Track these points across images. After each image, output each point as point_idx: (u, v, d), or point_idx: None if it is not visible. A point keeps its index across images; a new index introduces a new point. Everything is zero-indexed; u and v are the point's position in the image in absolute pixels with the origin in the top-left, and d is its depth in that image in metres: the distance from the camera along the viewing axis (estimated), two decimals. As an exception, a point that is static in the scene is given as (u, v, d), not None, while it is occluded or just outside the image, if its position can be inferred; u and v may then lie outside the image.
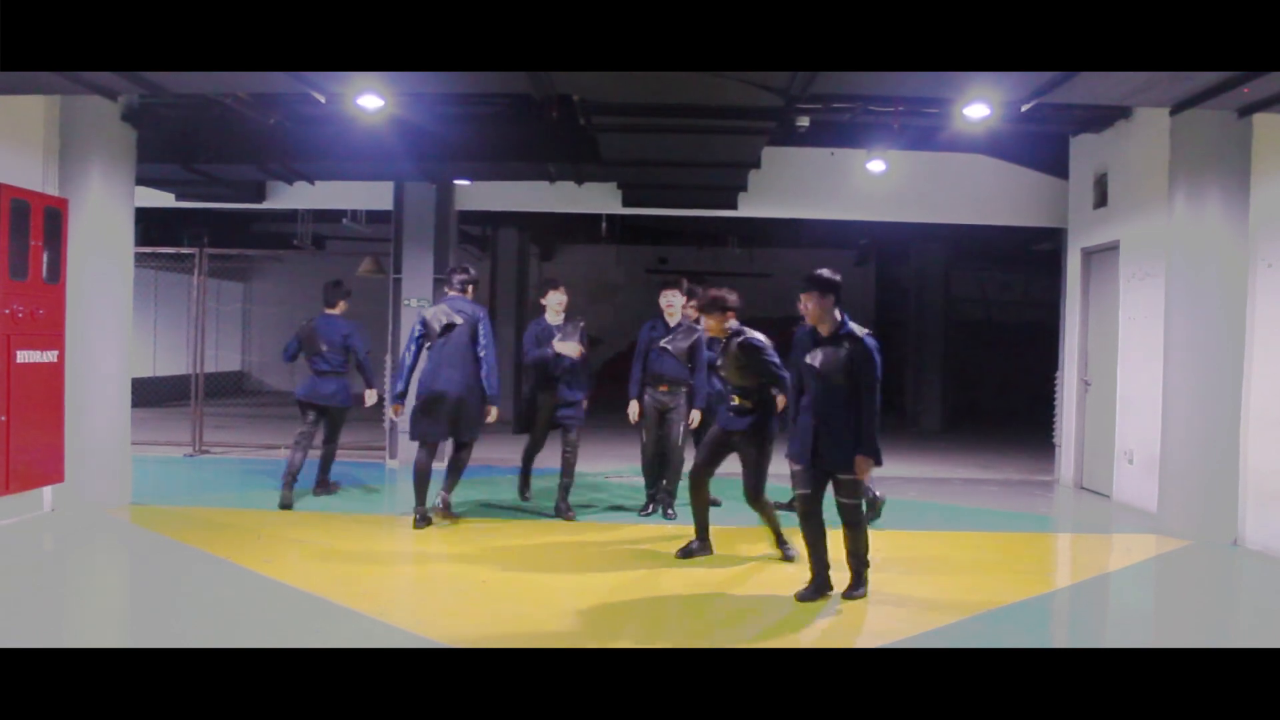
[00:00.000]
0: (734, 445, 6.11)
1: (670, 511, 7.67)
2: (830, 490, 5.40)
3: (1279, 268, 6.81)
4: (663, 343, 7.46)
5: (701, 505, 6.33)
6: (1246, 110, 6.61)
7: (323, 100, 6.89)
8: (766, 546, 6.56)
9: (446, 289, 7.51)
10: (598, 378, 8.78)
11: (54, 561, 6.31)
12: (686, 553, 6.32)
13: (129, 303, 7.73)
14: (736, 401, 6.07)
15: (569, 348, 7.53)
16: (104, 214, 7.40)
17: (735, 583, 5.85)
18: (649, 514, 7.71)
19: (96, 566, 6.25)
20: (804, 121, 8.68)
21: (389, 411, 8.26)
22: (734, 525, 7.52)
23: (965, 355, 17.00)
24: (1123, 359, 8.83)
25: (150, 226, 12.11)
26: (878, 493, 7.39)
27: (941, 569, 6.26)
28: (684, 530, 6.99)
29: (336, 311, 8.39)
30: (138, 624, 5.11)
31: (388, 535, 7.29)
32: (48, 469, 6.93)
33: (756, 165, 9.50)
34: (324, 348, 8.21)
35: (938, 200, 10.64)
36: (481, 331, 7.15)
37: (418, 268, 10.44)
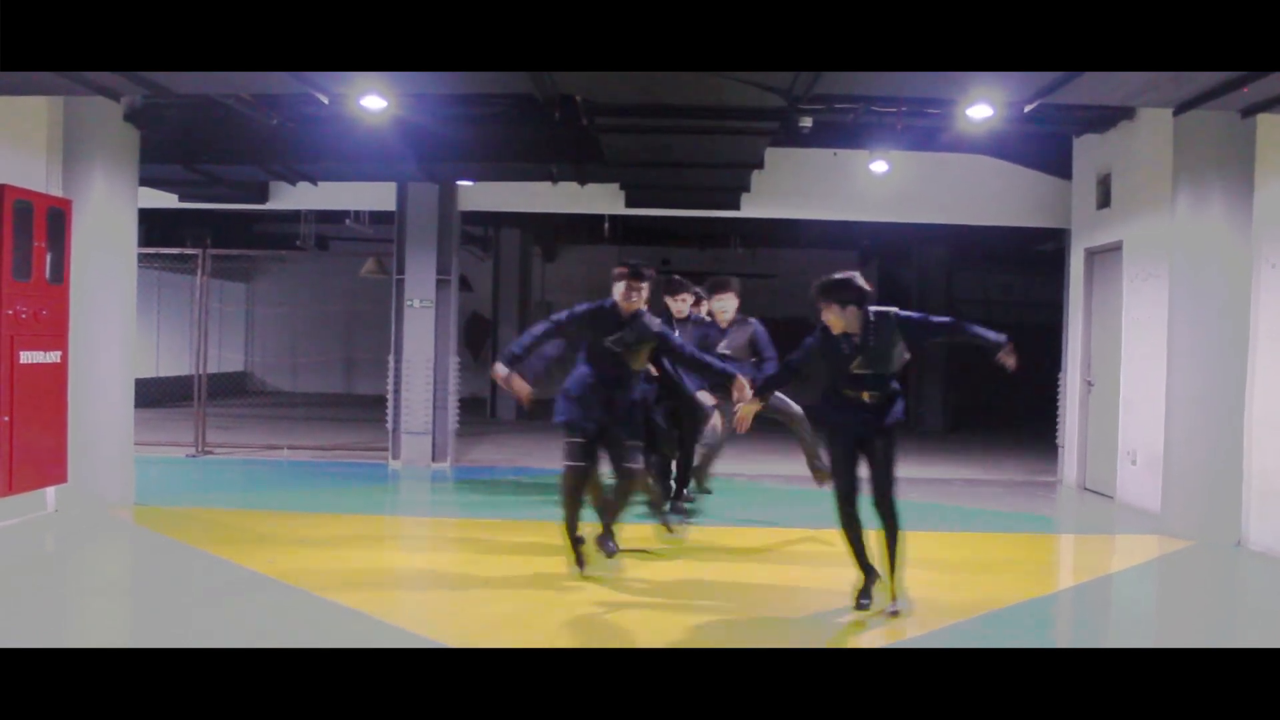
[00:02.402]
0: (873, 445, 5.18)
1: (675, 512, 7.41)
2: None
3: (1282, 268, 6.81)
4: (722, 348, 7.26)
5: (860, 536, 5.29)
6: (1250, 111, 6.60)
7: (325, 101, 6.89)
8: (757, 544, 6.56)
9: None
10: None
11: (57, 562, 6.32)
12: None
13: (132, 303, 7.74)
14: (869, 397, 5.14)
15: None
16: (107, 214, 7.41)
17: (735, 583, 5.85)
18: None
19: (99, 567, 6.26)
20: (807, 122, 8.67)
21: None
22: (732, 525, 7.53)
23: (968, 356, 16.93)
24: (1126, 360, 8.82)
25: (153, 227, 12.11)
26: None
27: (944, 570, 6.25)
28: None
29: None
30: (140, 624, 5.12)
31: (390, 535, 7.30)
32: (51, 469, 6.94)
33: (759, 166, 9.50)
34: None
35: (940, 201, 10.62)
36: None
37: (420, 268, 10.44)
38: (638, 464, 5.77)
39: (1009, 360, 5.12)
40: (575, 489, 5.70)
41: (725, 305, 7.33)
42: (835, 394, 5.18)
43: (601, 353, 5.65)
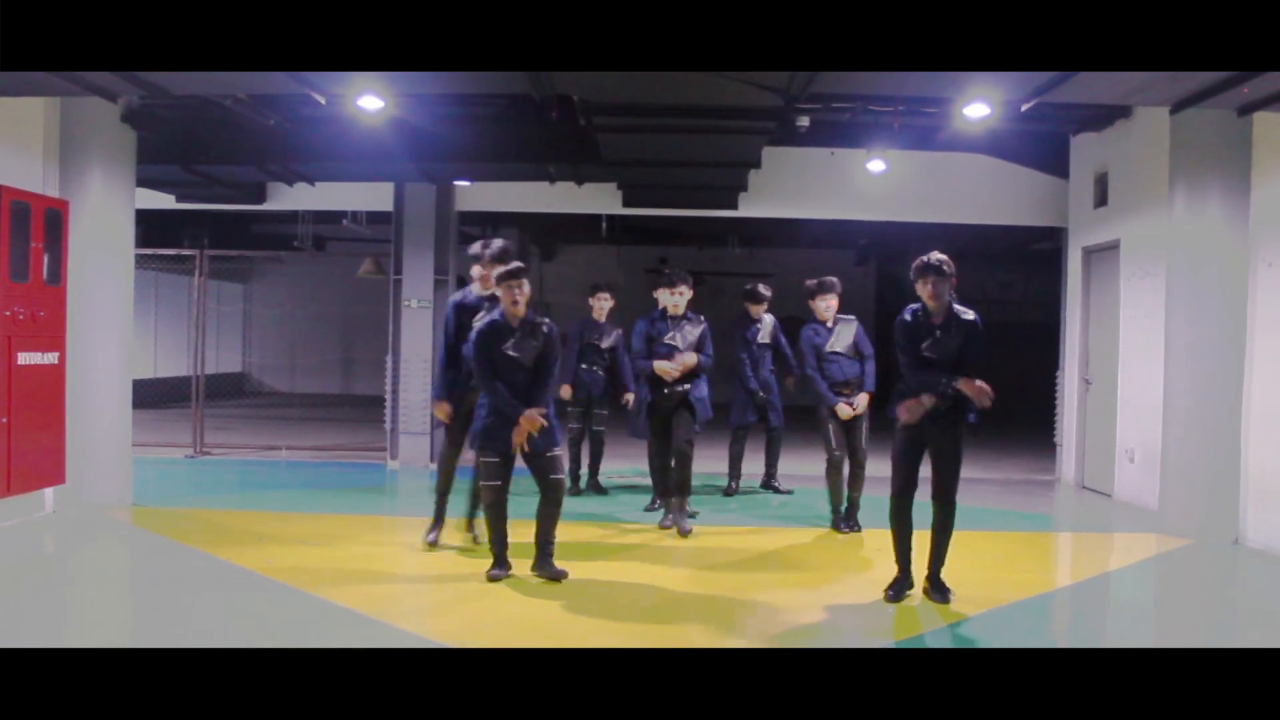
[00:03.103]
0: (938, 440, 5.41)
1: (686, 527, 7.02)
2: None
3: (1279, 266, 6.81)
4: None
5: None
6: (1246, 109, 6.60)
7: (323, 101, 6.89)
8: (754, 545, 6.56)
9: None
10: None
11: (55, 562, 6.31)
12: None
13: (130, 304, 7.73)
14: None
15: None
16: (104, 215, 7.40)
17: (736, 583, 5.85)
18: (656, 508, 7.62)
19: (98, 567, 6.26)
20: (804, 121, 8.67)
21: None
22: (733, 525, 7.54)
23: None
24: (1123, 358, 8.82)
25: (151, 228, 12.11)
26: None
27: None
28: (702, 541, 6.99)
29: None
30: (139, 625, 5.12)
31: (389, 536, 7.30)
32: (49, 470, 6.93)
33: (757, 165, 9.50)
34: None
35: (938, 200, 10.63)
36: None
37: (418, 269, 10.44)
38: (561, 473, 5.73)
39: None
40: (496, 504, 5.69)
41: (830, 306, 7.20)
42: (906, 387, 5.35)
43: (506, 363, 5.57)
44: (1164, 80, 5.94)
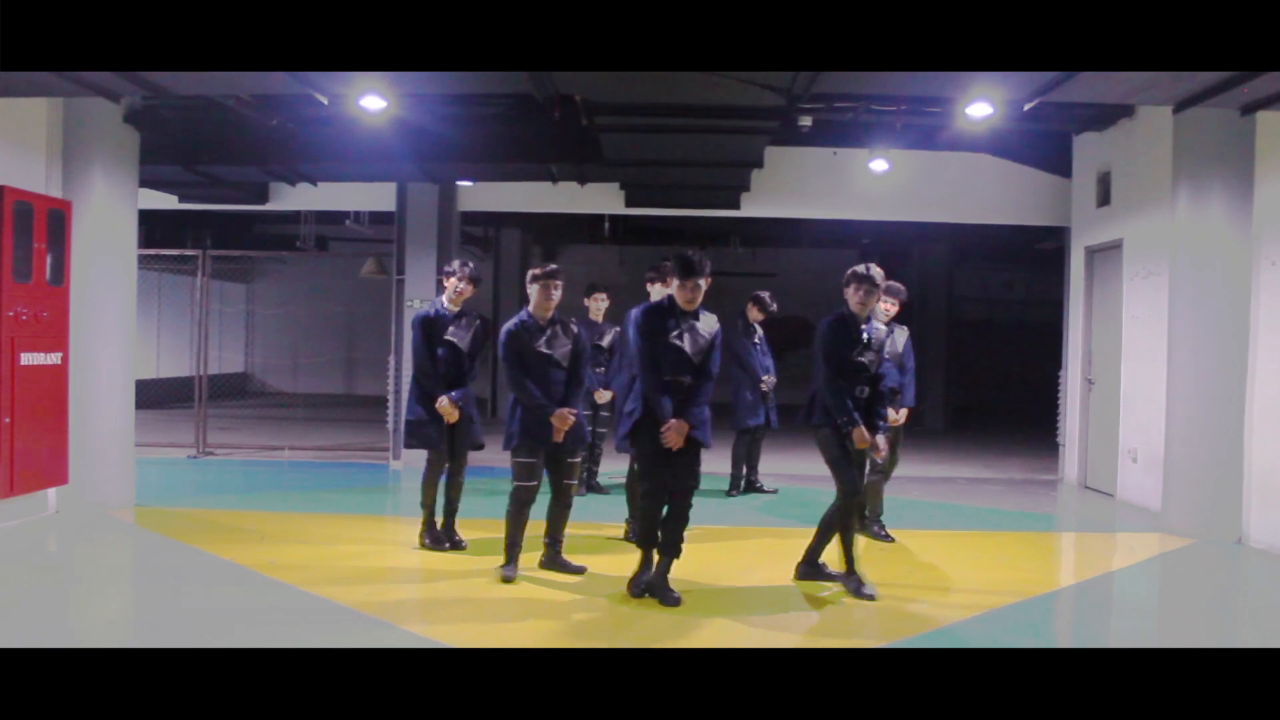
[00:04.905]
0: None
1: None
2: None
3: (1283, 266, 6.81)
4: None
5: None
6: (1249, 108, 6.60)
7: (325, 101, 6.89)
8: (753, 545, 6.55)
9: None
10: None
11: (58, 563, 6.32)
12: None
13: (132, 305, 7.74)
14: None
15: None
16: (107, 216, 7.41)
17: (739, 583, 5.85)
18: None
19: (100, 568, 6.27)
20: (806, 121, 8.67)
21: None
22: (729, 525, 7.54)
23: (968, 354, 16.99)
24: (1126, 358, 8.82)
25: (153, 228, 12.13)
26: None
27: (944, 568, 6.26)
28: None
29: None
30: (141, 624, 5.12)
31: (391, 536, 7.30)
32: (52, 471, 6.94)
33: (759, 165, 9.49)
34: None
35: (941, 199, 10.63)
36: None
37: (420, 269, 10.45)
38: (575, 478, 5.83)
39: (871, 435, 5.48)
40: (524, 504, 5.72)
41: (889, 311, 6.66)
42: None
43: (540, 361, 5.61)
44: (1166, 80, 5.93)
